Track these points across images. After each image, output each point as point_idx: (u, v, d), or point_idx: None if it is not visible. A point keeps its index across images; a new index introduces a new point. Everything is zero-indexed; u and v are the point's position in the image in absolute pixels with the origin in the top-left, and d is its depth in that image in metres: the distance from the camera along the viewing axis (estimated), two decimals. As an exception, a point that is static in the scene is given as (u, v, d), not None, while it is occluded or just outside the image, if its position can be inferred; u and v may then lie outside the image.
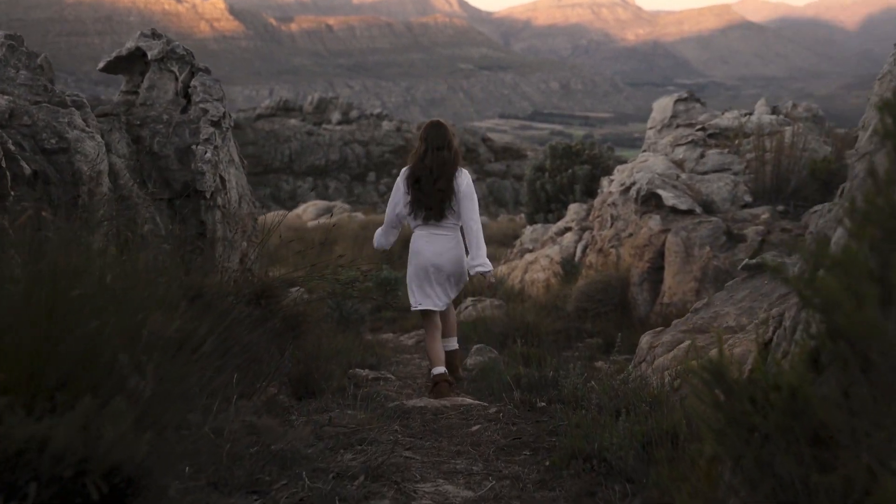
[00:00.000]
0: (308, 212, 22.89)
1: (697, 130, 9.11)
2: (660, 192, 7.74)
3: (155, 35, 6.15)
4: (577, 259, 9.49)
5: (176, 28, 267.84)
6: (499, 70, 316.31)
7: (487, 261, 4.60)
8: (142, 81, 6.10)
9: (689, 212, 7.50)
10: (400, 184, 4.77)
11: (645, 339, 4.63)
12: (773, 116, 9.16)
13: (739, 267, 4.64)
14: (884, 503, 1.33)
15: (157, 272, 2.20)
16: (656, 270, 7.57)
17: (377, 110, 48.36)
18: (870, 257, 1.48)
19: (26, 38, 5.41)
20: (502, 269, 11.26)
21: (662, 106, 11.29)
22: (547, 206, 14.44)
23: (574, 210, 11.39)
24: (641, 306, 7.52)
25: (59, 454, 1.40)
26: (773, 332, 2.68)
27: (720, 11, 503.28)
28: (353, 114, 44.55)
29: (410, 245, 4.78)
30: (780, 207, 7.41)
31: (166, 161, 5.63)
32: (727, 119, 9.35)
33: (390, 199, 4.89)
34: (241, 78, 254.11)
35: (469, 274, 4.74)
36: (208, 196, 5.53)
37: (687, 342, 4.05)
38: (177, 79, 6.02)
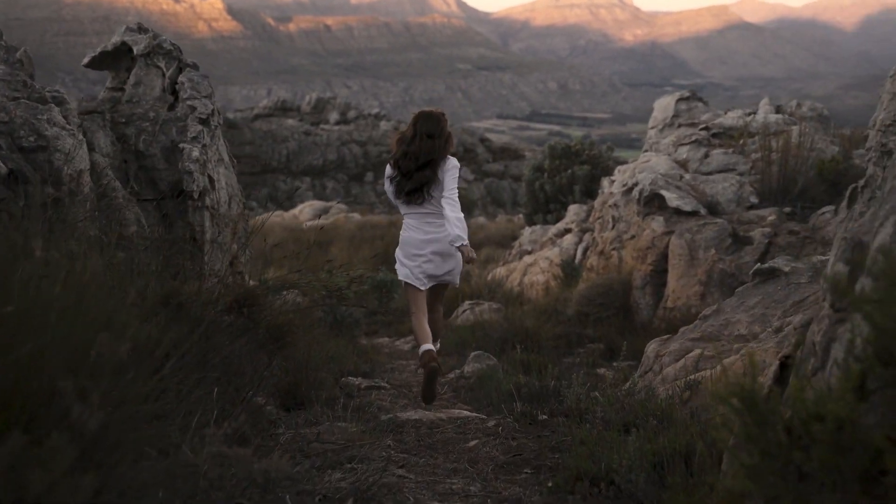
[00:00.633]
0: (305, 212, 22.67)
1: (701, 130, 8.90)
2: (663, 192, 7.53)
3: (141, 29, 5.94)
4: (577, 261, 9.28)
5: (174, 28, 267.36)
6: (497, 70, 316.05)
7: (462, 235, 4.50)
8: (128, 77, 5.88)
9: (694, 213, 7.29)
10: (388, 172, 4.86)
11: (651, 348, 4.41)
12: (779, 116, 8.95)
13: (751, 272, 4.43)
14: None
15: (115, 281, 1.99)
16: (659, 274, 7.36)
17: (375, 110, 48.15)
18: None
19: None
20: (501, 270, 11.05)
21: (664, 105, 11.08)
22: (546, 207, 14.22)
23: (574, 211, 11.18)
24: (644, 310, 7.31)
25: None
26: (796, 346, 2.47)
27: (718, 12, 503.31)
28: (351, 114, 44.32)
29: (401, 232, 4.84)
30: (787, 209, 7.21)
31: (152, 160, 5.42)
32: (731, 118, 9.15)
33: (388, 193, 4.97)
34: (240, 78, 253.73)
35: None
36: (196, 197, 5.31)
37: (697, 351, 3.84)
38: (164, 75, 5.81)
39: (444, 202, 4.53)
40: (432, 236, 4.64)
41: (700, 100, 11.24)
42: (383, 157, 39.45)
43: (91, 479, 1.27)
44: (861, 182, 6.59)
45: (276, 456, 2.05)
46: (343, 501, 2.59)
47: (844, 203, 6.97)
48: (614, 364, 5.90)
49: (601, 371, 5.60)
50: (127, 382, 1.57)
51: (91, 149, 5.00)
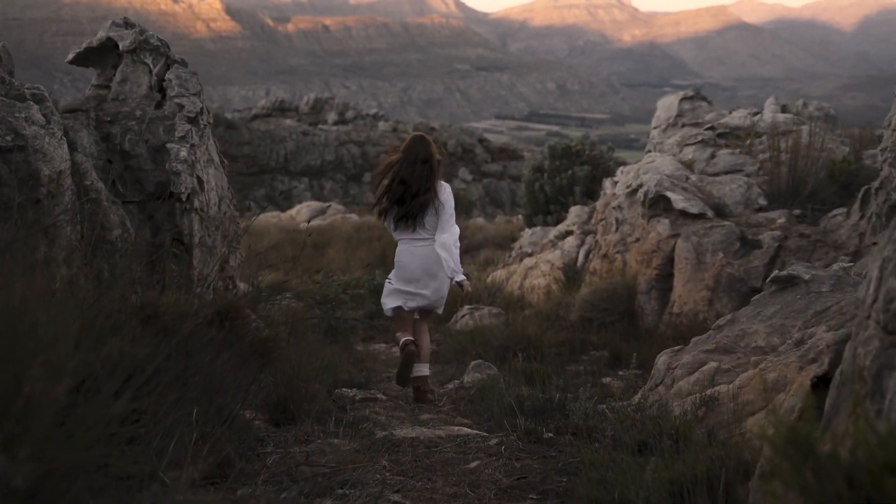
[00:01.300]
0: (302, 213, 22.43)
1: (706, 130, 8.67)
2: (669, 194, 7.30)
3: (127, 24, 5.71)
4: (579, 265, 9.05)
5: (172, 28, 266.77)
6: (495, 71, 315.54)
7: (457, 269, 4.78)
8: (114, 75, 5.65)
9: (700, 215, 7.07)
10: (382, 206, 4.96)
11: (662, 360, 4.18)
12: (787, 115, 8.73)
13: (768, 279, 4.20)
14: None
15: (66, 299, 1.76)
16: (665, 278, 7.13)
17: (373, 111, 47.92)
18: None
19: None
20: (500, 273, 10.81)
21: (667, 104, 10.85)
22: (546, 208, 13.98)
23: (575, 213, 10.95)
24: (649, 316, 7.08)
25: None
26: (832, 366, 2.24)
27: (716, 12, 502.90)
28: (350, 114, 44.08)
29: (396, 257, 4.94)
30: (797, 211, 6.98)
31: (139, 160, 5.19)
32: (737, 118, 8.93)
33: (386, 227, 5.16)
34: (238, 78, 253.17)
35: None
36: (184, 198, 5.09)
37: (712, 364, 3.61)
38: (151, 71, 5.58)
39: (443, 233, 4.70)
40: (422, 258, 4.76)
41: (704, 99, 11.02)
42: (381, 157, 39.21)
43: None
44: (875, 184, 6.37)
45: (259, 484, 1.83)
46: (333, 534, 2.38)
47: (857, 205, 6.76)
48: (620, 373, 5.67)
49: (607, 380, 5.37)
50: (74, 422, 1.34)
51: (74, 148, 4.76)
